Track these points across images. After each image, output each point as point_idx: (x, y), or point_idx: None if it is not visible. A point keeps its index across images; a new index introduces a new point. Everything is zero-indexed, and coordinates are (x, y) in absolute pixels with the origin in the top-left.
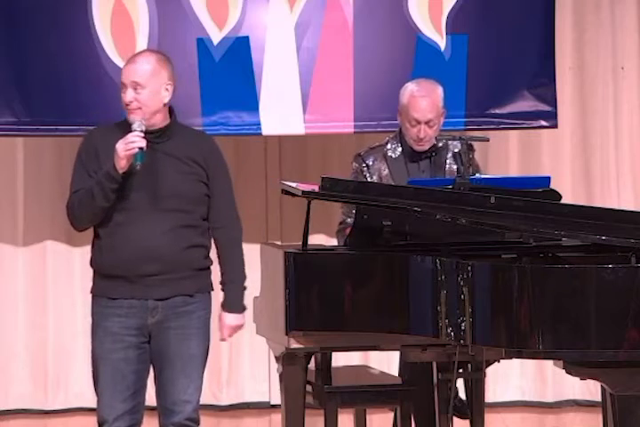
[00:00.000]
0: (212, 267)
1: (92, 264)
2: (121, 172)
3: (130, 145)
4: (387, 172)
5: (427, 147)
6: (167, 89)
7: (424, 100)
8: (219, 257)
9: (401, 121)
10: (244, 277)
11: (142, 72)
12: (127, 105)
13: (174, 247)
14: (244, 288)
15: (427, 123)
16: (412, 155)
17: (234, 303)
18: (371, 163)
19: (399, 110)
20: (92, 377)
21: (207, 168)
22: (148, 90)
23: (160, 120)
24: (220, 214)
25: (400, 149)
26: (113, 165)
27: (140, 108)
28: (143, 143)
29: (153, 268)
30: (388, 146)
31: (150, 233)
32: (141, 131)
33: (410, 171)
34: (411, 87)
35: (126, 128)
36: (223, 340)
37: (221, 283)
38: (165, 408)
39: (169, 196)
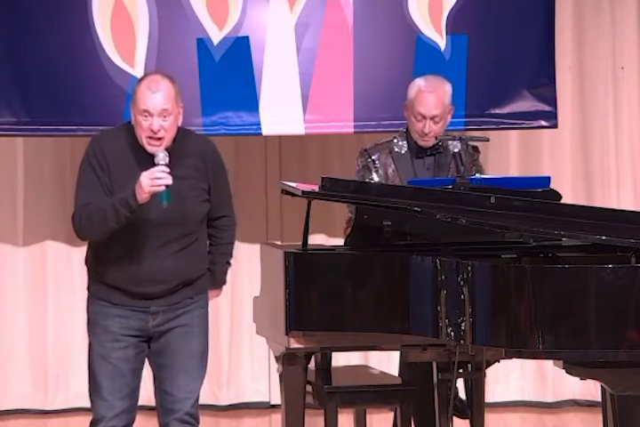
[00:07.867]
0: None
1: (89, 266)
2: (141, 203)
3: (156, 182)
4: (393, 167)
5: (431, 143)
6: (180, 112)
7: (431, 95)
8: (211, 238)
9: (407, 115)
10: (231, 255)
11: (170, 100)
12: (155, 133)
13: (180, 268)
14: (230, 264)
15: (432, 118)
16: (417, 151)
17: (220, 281)
18: (376, 158)
19: (406, 105)
20: (87, 374)
21: (209, 173)
22: (173, 116)
23: (171, 142)
24: (220, 206)
25: (406, 145)
26: (133, 194)
27: (164, 138)
28: (169, 180)
29: (158, 289)
30: (395, 142)
31: (156, 257)
32: (166, 164)
33: (415, 167)
34: (419, 82)
35: (133, 134)
36: None
37: (210, 261)
38: (165, 407)
39: (178, 222)
